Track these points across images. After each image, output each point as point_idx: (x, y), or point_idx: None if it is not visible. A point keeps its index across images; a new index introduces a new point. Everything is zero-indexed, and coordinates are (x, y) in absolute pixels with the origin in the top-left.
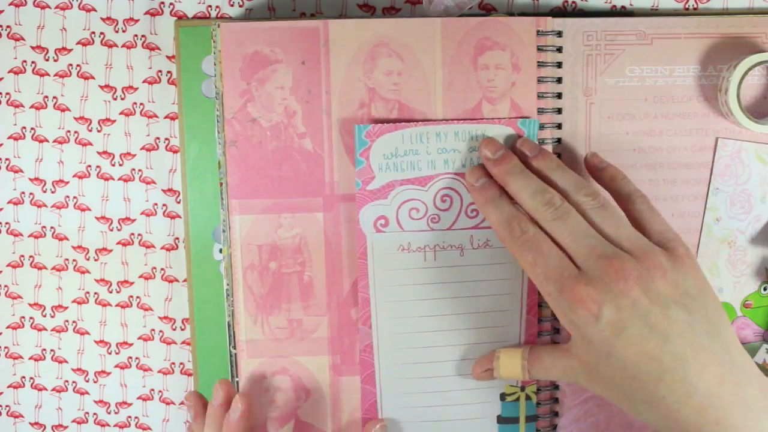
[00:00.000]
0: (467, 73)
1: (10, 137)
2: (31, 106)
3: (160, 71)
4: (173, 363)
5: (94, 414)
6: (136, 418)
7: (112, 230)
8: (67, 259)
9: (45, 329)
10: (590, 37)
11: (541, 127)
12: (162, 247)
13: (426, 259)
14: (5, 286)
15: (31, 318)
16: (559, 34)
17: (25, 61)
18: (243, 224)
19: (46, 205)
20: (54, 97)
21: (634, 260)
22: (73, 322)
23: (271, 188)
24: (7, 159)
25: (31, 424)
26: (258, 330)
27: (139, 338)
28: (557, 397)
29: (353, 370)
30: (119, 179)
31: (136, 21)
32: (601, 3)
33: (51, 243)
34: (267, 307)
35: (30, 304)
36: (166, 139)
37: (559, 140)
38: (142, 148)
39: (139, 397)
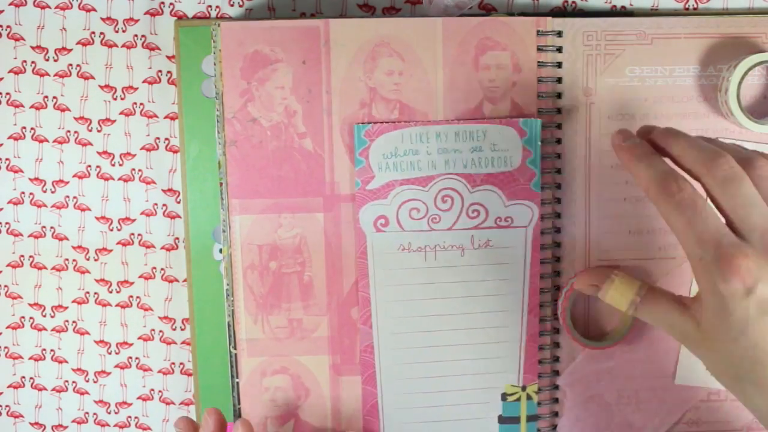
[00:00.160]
0: (468, 73)
1: (10, 137)
2: (31, 106)
3: (160, 71)
4: (173, 363)
5: (94, 414)
6: (136, 418)
7: (112, 230)
8: (67, 259)
9: (45, 329)
10: (590, 37)
11: (542, 126)
12: (162, 247)
13: (426, 259)
14: (5, 286)
15: (31, 318)
16: (559, 34)
17: (25, 61)
18: (243, 224)
19: (46, 205)
20: (54, 97)
21: None
22: (73, 322)
23: (271, 188)
24: (7, 159)
25: (31, 424)
26: (258, 329)
27: (139, 338)
28: (558, 397)
29: (353, 370)
30: (119, 179)
31: (136, 21)
32: (601, 3)
33: (51, 243)
34: (267, 306)
35: (30, 304)
36: (166, 139)
37: (559, 140)
38: (142, 148)
39: (139, 397)
